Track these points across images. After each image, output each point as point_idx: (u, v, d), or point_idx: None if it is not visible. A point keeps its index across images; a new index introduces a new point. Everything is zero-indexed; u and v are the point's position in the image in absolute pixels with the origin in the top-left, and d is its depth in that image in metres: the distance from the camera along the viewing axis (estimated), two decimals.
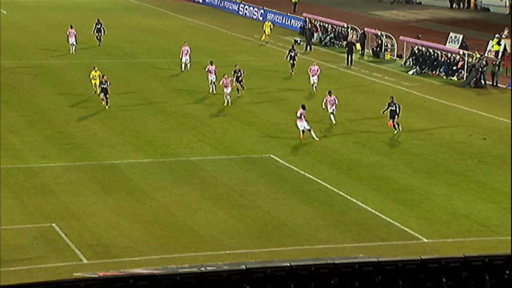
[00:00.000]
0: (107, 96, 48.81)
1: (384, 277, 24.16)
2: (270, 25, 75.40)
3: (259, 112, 50.38)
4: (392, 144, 44.45)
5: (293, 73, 59.69)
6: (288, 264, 27.16)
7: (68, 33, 65.34)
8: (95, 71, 52.00)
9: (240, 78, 52.28)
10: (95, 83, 51.44)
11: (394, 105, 45.59)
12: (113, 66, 62.83)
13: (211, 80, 53.51)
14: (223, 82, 50.19)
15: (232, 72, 52.43)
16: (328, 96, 46.81)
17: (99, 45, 68.43)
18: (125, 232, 31.82)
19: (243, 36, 77.71)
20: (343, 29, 74.86)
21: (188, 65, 60.72)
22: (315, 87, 54.47)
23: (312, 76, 54.91)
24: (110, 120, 46.39)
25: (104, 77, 49.43)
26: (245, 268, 27.28)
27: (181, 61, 60.72)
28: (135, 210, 34.11)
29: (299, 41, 73.83)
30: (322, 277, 26.06)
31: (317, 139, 43.12)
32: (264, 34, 74.37)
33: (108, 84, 48.99)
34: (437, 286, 23.84)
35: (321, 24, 77.20)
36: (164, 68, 62.19)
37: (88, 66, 62.27)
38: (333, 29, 75.65)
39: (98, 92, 50.09)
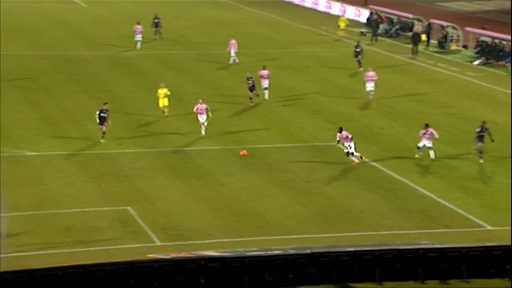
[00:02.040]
0: None
1: (448, 263, 23.87)
2: (345, 20, 74.81)
3: (325, 102, 50.15)
4: (456, 133, 43.80)
5: (360, 69, 57.99)
6: (353, 249, 27.04)
7: (134, 29, 65.71)
8: (162, 88, 45.71)
9: (252, 85, 47.59)
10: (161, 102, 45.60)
11: (485, 130, 39.22)
12: (186, 57, 63.19)
13: (263, 86, 49.08)
14: (197, 108, 42.44)
15: (246, 79, 48.27)
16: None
17: (155, 39, 68.26)
18: (196, 216, 32.05)
19: (310, 28, 77.37)
20: (408, 20, 73.93)
21: (236, 59, 60.26)
22: (372, 94, 49.17)
23: (368, 82, 49.39)
24: (182, 109, 46.70)
25: (106, 105, 41.58)
26: (310, 252, 27.26)
27: (229, 54, 60.49)
28: (205, 195, 34.32)
29: (365, 33, 73.17)
30: (386, 263, 25.85)
31: (357, 162, 38.14)
32: (339, 29, 73.64)
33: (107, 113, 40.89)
34: (501, 272, 23.48)
35: (387, 15, 76.36)
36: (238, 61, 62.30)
37: (161, 57, 62.76)
38: (399, 20, 74.80)
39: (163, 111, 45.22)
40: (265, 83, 49.49)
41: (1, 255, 26.97)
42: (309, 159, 39.13)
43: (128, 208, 32.65)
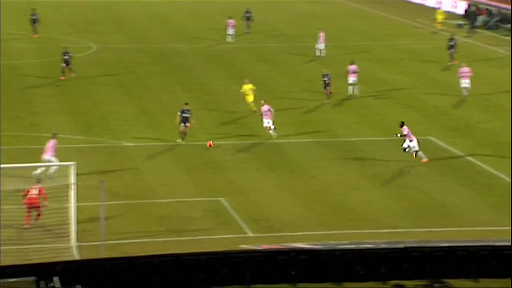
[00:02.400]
0: None
1: None
2: (442, 12, 73.62)
3: (419, 95, 49.50)
4: None
5: (453, 63, 56.89)
6: (447, 245, 26.64)
7: (227, 23, 66.03)
8: (246, 84, 45.27)
9: (328, 83, 46.67)
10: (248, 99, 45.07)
11: None
12: (277, 50, 63.33)
13: (349, 81, 48.39)
14: (261, 111, 40.74)
15: (321, 76, 47.43)
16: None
17: (246, 32, 68.41)
18: (287, 208, 32.15)
19: (405, 20, 76.41)
20: (508, 11, 72.13)
21: (323, 51, 59.92)
22: (467, 90, 47.76)
23: (463, 79, 47.71)
24: (274, 101, 46.79)
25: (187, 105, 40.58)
26: (403, 246, 27.00)
27: (317, 47, 60.07)
28: (296, 188, 34.37)
29: (462, 25, 71.81)
30: (482, 259, 25.40)
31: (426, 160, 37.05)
32: (436, 22, 72.51)
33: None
34: None
35: (486, 7, 74.72)
36: (331, 54, 62.08)
37: (254, 50, 63.07)
38: (499, 12, 73.06)
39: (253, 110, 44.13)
40: (352, 78, 48.54)
41: (101, 242, 27.65)
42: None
43: (221, 199, 33.00)
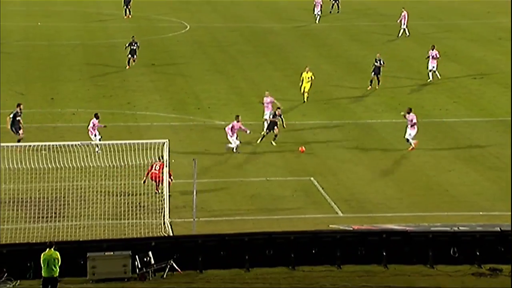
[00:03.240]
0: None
1: None
2: None
3: None
4: None
5: None
6: None
7: (314, 2, 65.37)
8: (307, 72, 43.23)
9: (378, 67, 44.47)
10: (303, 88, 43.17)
11: None
12: (370, 29, 62.53)
13: (430, 68, 46.47)
14: (264, 102, 38.45)
15: (374, 62, 45.24)
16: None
17: (330, 12, 67.55)
18: (379, 189, 31.79)
19: None
20: None
21: (407, 31, 58.64)
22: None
23: None
24: (366, 81, 46.27)
25: None
26: (499, 230, 26.36)
27: (400, 26, 58.85)
28: (388, 168, 33.95)
29: None
30: None
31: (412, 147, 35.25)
32: None
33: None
34: None
35: None
36: (425, 32, 60.98)
37: (347, 28, 62.45)
38: None
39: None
40: (432, 64, 46.29)
41: (193, 219, 27.94)
42: (500, 134, 37.75)
43: (311, 178, 32.87)
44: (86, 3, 70.88)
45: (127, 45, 49.47)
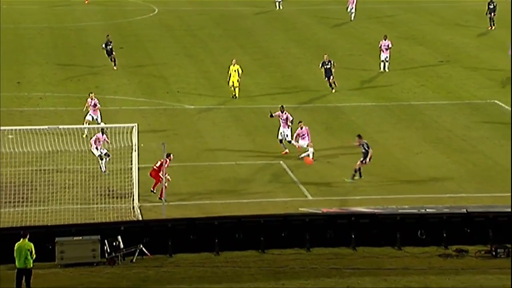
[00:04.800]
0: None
1: None
2: None
3: (485, 58, 48.52)
4: None
5: (490, 28, 54.87)
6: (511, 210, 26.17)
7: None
8: (234, 65, 41.03)
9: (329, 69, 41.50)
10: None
11: None
12: (337, 11, 62.63)
13: (382, 58, 45.34)
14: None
15: (322, 65, 41.90)
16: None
17: None
18: (347, 172, 31.88)
19: None
20: None
21: (353, 14, 58.41)
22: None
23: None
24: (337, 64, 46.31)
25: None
26: (466, 211, 26.63)
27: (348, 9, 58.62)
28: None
29: None
30: None
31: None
32: None
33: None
34: None
35: None
36: (392, 15, 61.15)
37: (316, 12, 62.45)
38: None
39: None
40: (384, 55, 45.26)
41: (162, 204, 27.89)
42: (466, 117, 38.08)
43: (281, 162, 32.93)
44: None
45: (103, 45, 45.89)
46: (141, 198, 28.76)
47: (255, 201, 29.28)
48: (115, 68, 45.47)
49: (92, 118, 34.91)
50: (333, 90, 41.62)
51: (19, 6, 61.94)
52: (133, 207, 28.26)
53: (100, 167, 30.65)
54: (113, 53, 45.71)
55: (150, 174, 29.27)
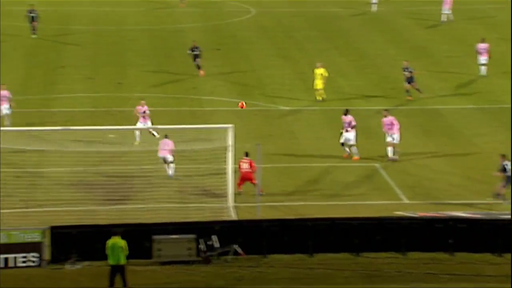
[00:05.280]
0: None
1: None
2: None
3: None
4: None
5: None
6: None
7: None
8: (318, 68, 40.83)
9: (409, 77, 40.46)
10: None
11: None
12: (436, 12, 61.69)
13: (480, 62, 44.34)
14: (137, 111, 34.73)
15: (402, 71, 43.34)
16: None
17: None
18: (445, 176, 31.43)
19: None
20: None
21: (451, 16, 57.16)
22: None
23: None
24: (433, 66, 45.73)
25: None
26: None
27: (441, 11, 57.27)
28: (455, 155, 33.51)
29: None
30: None
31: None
32: None
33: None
34: None
35: None
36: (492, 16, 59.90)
37: (414, 13, 61.67)
38: None
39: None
40: (482, 58, 43.97)
41: (257, 204, 28.04)
42: None
43: (376, 165, 32.65)
44: None
45: (189, 51, 45.50)
46: (236, 198, 28.97)
47: (349, 203, 29.12)
48: (201, 73, 44.61)
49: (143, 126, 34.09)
50: (410, 98, 40.59)
51: (121, 8, 63.29)
52: (228, 207, 28.50)
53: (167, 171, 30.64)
54: (199, 58, 44.82)
55: (245, 177, 29.35)
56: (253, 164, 29.35)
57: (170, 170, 30.55)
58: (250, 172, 29.37)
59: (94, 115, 37.62)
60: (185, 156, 30.70)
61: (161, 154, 30.58)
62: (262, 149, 28.63)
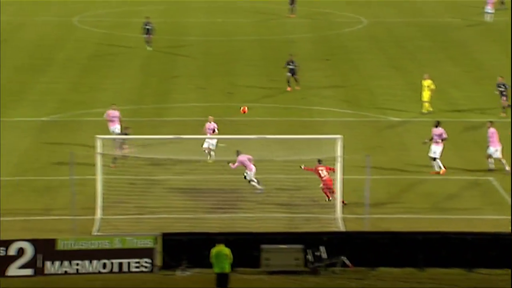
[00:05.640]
0: None
1: None
2: None
3: None
4: None
5: None
6: None
7: (487, 0, 62.71)
8: (425, 80, 40.35)
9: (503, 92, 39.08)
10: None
11: None
12: None
13: None
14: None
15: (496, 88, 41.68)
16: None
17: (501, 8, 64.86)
18: None
19: None
20: None
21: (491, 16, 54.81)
22: None
23: None
24: None
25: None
26: None
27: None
28: None
29: None
30: None
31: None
32: None
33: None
34: None
35: None
36: None
37: None
38: None
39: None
40: None
41: (365, 216, 27.80)
42: None
43: (491, 178, 31.84)
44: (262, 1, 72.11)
45: (285, 65, 44.27)
46: (344, 209, 28.80)
47: (462, 218, 28.49)
48: (297, 88, 44.15)
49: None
50: (504, 114, 39.24)
51: (232, 19, 64.09)
52: (336, 218, 28.36)
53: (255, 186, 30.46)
54: (295, 74, 44.16)
55: (327, 184, 29.03)
56: (329, 168, 29.02)
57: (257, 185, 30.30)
58: (330, 179, 29.11)
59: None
60: (294, 167, 30.70)
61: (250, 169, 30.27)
62: (371, 161, 28.36)
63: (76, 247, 24.95)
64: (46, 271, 24.79)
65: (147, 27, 52.79)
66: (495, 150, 32.59)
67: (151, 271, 25.00)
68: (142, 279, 24.64)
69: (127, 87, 45.28)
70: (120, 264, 25.01)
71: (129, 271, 24.95)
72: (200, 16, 64.90)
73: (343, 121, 39.42)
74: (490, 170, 32.43)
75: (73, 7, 66.40)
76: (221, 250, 23.00)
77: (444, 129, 33.05)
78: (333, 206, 28.74)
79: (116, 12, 66.11)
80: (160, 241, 25.22)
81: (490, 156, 32.66)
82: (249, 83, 46.40)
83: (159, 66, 50.07)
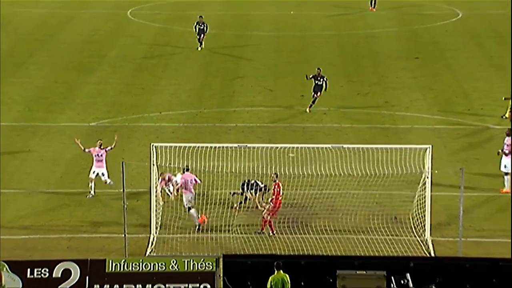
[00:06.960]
0: None
1: None
2: None
3: None
4: None
5: None
6: None
7: None
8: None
9: None
10: None
11: None
12: None
13: None
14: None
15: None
16: None
17: None
18: None
19: None
20: None
21: None
22: None
23: None
24: None
25: None
26: None
27: None
28: None
29: None
30: None
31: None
32: None
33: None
34: None
35: None
36: None
37: None
38: None
39: None
40: None
41: (459, 239, 27.51)
42: None
43: None
44: None
45: (309, 76, 41.46)
46: (434, 231, 28.57)
47: None
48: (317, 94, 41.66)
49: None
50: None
51: (306, 12, 64.21)
52: (425, 241, 28.14)
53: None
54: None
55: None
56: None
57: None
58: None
59: (273, 130, 38.21)
60: (374, 180, 30.58)
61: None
62: (466, 175, 28.07)
63: (127, 270, 25.25)
64: None
65: (199, 27, 53.13)
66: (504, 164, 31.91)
67: None
68: None
69: (185, 88, 45.74)
70: None
71: None
72: (269, 8, 65.21)
73: (432, 129, 39.12)
74: None
75: None
76: (280, 277, 22.95)
77: None
78: (422, 227, 28.52)
79: (174, 3, 66.89)
80: (221, 263, 25.37)
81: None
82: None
83: (221, 65, 50.46)
